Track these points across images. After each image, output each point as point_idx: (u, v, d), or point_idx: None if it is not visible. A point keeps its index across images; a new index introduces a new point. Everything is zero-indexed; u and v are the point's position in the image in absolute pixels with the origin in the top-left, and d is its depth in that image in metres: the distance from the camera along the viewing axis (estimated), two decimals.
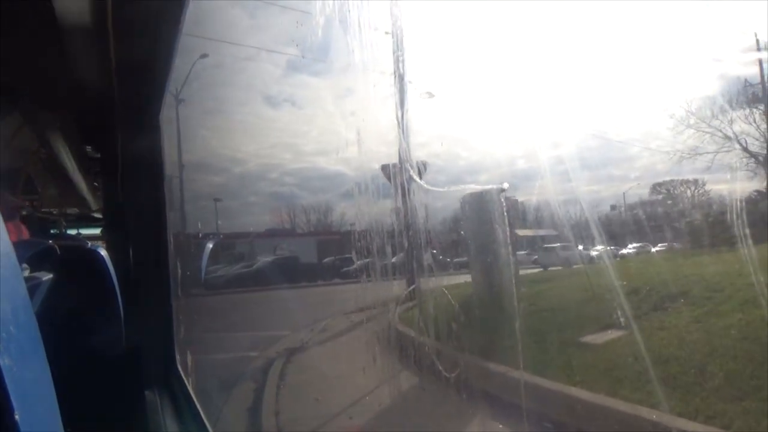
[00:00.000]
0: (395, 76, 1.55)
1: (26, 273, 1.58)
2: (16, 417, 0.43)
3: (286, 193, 20.08)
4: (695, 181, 4.28)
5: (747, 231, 1.96)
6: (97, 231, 6.83)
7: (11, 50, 2.21)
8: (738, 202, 1.99)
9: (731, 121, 3.83)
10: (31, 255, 2.06)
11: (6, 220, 0.55)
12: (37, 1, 1.85)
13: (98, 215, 6.90)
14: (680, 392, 2.86)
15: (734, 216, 1.97)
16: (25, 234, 3.10)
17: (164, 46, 2.02)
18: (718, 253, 3.73)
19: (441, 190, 1.55)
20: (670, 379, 2.94)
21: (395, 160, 1.58)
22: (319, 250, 18.46)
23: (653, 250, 3.79)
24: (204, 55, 4.39)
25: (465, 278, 2.60)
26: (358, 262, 1.76)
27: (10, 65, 2.40)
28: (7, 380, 0.43)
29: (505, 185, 1.62)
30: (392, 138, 1.57)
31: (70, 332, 1.59)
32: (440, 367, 1.81)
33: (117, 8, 1.87)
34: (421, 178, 1.54)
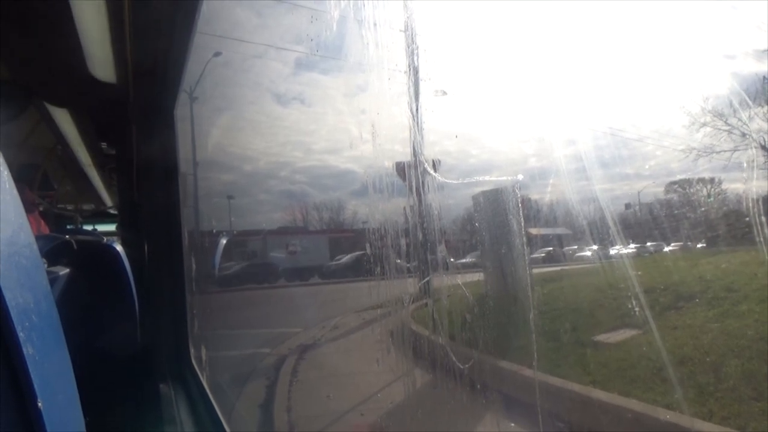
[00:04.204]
0: (409, 73, 1.54)
1: (44, 267, 1.60)
2: (40, 404, 0.44)
3: (296, 191, 20.12)
4: (711, 180, 4.21)
5: (765, 231, 1.93)
6: (112, 226, 6.92)
7: (29, 48, 2.25)
8: (755, 202, 1.96)
9: (748, 119, 3.77)
10: (49, 249, 2.10)
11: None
12: (56, 2, 1.88)
13: (113, 211, 6.99)
14: (695, 392, 2.83)
15: (751, 215, 1.94)
16: (44, 227, 3.15)
17: (179, 45, 2.04)
18: (735, 253, 3.68)
19: (455, 182, 1.54)
20: (684, 379, 2.91)
21: (407, 158, 1.58)
22: (330, 248, 18.50)
23: (668, 249, 3.75)
24: (217, 54, 4.41)
25: (479, 276, 2.60)
26: (371, 260, 1.76)
27: (28, 63, 2.44)
28: (30, 368, 0.44)
29: (520, 176, 1.61)
30: (404, 136, 1.56)
31: (86, 326, 1.62)
32: (452, 366, 1.81)
33: (134, 8, 1.89)
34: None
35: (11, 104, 2.53)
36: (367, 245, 1.74)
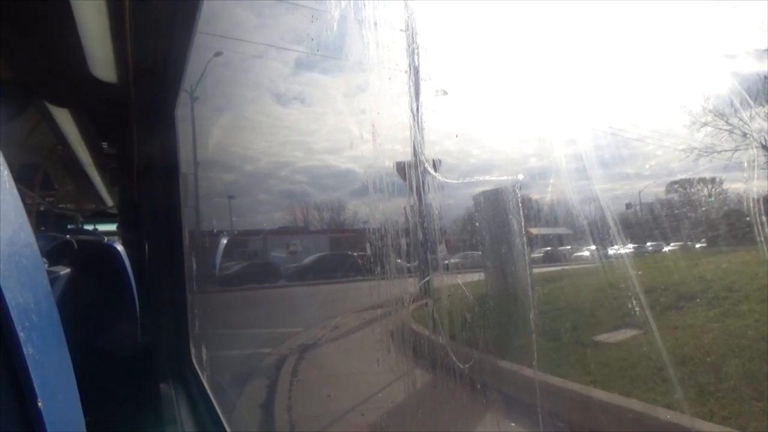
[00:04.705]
0: (410, 73, 1.54)
1: (45, 267, 1.60)
2: (40, 404, 0.44)
3: (297, 191, 20.09)
4: (712, 180, 4.20)
5: (765, 230, 1.93)
6: (112, 226, 6.92)
7: (29, 48, 2.25)
8: (756, 201, 1.96)
9: (749, 118, 3.76)
10: (49, 249, 2.10)
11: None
12: (56, 2, 1.88)
13: (114, 211, 6.99)
14: (696, 392, 2.83)
15: (752, 215, 1.94)
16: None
17: (179, 45, 2.04)
18: (735, 253, 3.68)
19: (456, 182, 1.54)
20: (685, 378, 2.91)
21: (408, 157, 1.57)
22: (331, 248, 18.50)
23: (669, 249, 3.75)
24: (218, 53, 4.41)
25: (479, 275, 2.60)
26: (371, 260, 1.76)
27: (28, 63, 2.44)
28: (30, 368, 0.44)
29: (520, 176, 1.61)
30: (405, 136, 1.56)
31: (86, 325, 1.62)
32: (452, 365, 1.81)
33: (134, 8, 1.89)
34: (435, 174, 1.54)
35: (11, 104, 2.53)
36: (368, 245, 1.74)
